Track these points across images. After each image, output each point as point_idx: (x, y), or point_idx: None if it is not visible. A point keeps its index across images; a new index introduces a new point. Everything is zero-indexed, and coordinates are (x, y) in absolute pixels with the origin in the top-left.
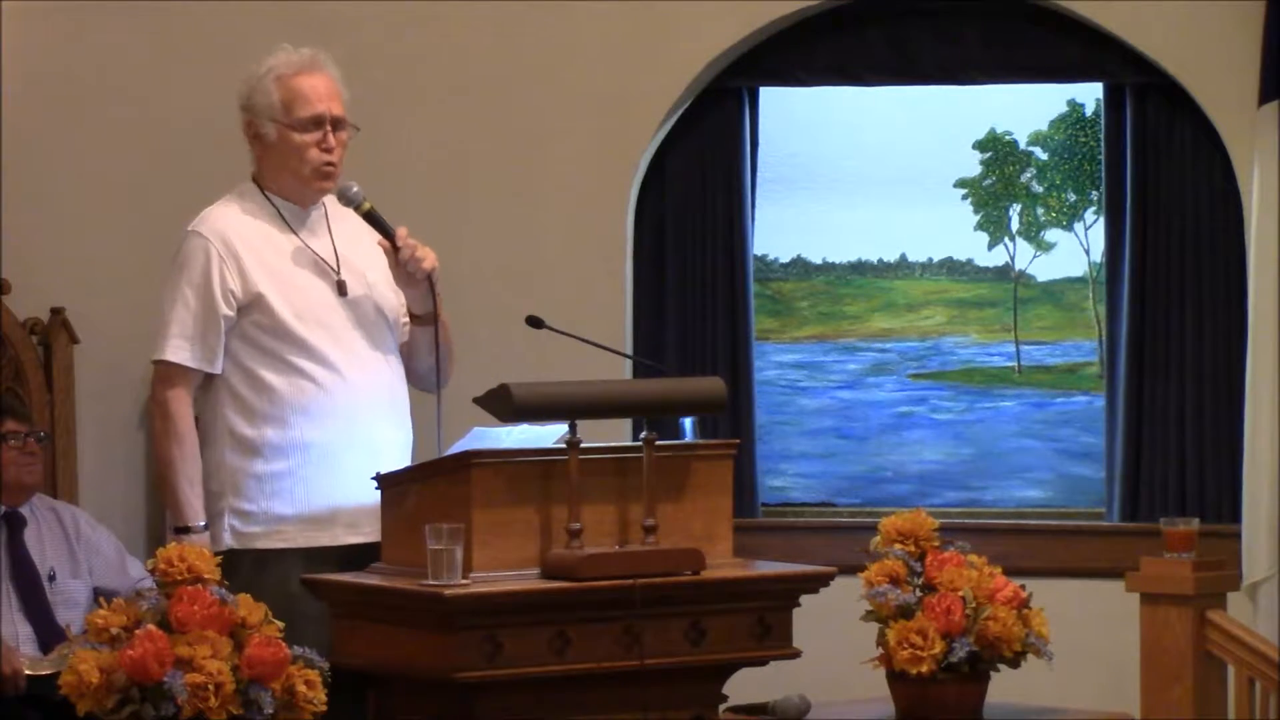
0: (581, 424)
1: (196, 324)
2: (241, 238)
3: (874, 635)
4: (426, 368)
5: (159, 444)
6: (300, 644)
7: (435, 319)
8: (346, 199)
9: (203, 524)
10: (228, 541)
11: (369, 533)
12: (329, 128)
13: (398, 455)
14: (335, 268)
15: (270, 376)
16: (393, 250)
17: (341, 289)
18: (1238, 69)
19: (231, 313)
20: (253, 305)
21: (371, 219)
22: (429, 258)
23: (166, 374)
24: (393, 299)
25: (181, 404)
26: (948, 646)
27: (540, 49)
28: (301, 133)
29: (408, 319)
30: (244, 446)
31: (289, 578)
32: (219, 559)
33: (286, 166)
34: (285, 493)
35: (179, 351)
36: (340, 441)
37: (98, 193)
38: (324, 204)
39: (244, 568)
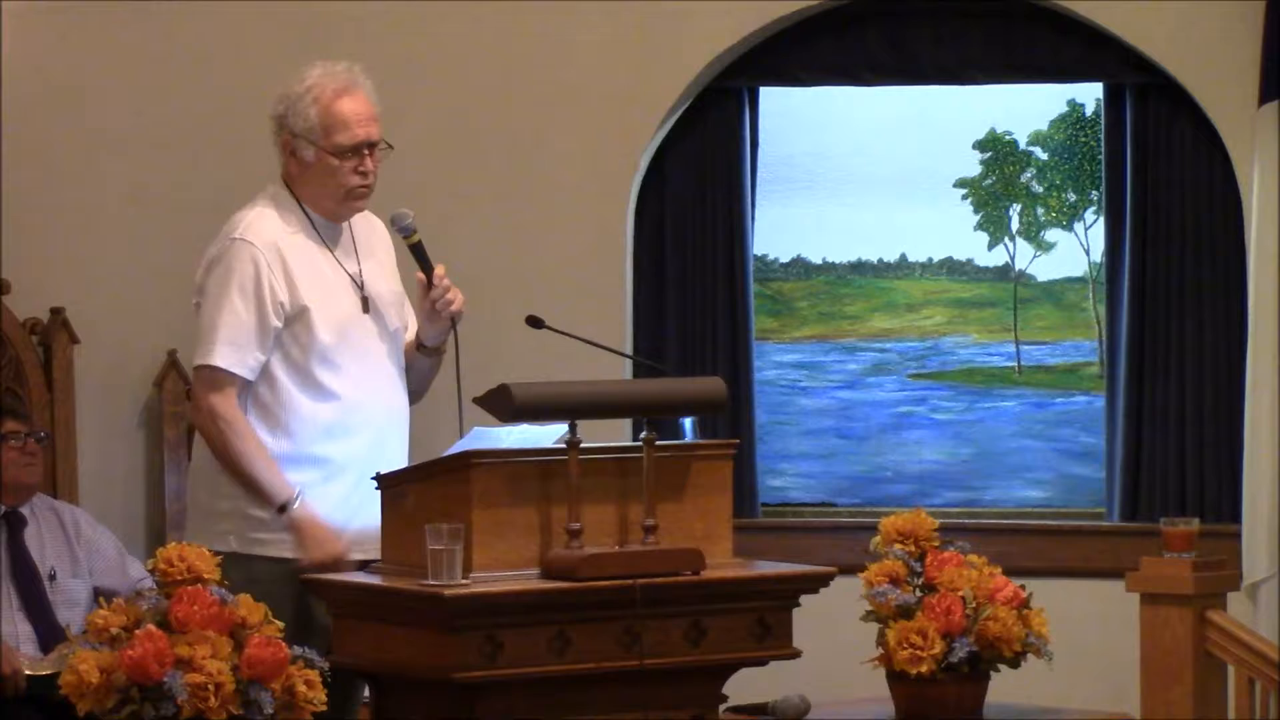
0: (581, 424)
1: (246, 333)
2: (288, 249)
3: (874, 635)
4: (411, 391)
5: (223, 445)
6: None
7: (440, 354)
8: (399, 228)
9: (298, 491)
10: (231, 544)
11: (374, 550)
12: (366, 152)
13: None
14: (360, 284)
15: (297, 393)
16: (427, 286)
17: (365, 305)
18: (1238, 69)
19: (280, 325)
20: (296, 319)
21: (417, 252)
22: (458, 300)
23: (214, 379)
24: (401, 314)
25: (232, 406)
26: (948, 646)
27: (540, 49)
28: (340, 159)
29: (410, 337)
30: None
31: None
32: (219, 560)
33: (323, 187)
34: None
35: (228, 357)
36: (357, 459)
37: (98, 193)
38: None
39: (243, 571)
